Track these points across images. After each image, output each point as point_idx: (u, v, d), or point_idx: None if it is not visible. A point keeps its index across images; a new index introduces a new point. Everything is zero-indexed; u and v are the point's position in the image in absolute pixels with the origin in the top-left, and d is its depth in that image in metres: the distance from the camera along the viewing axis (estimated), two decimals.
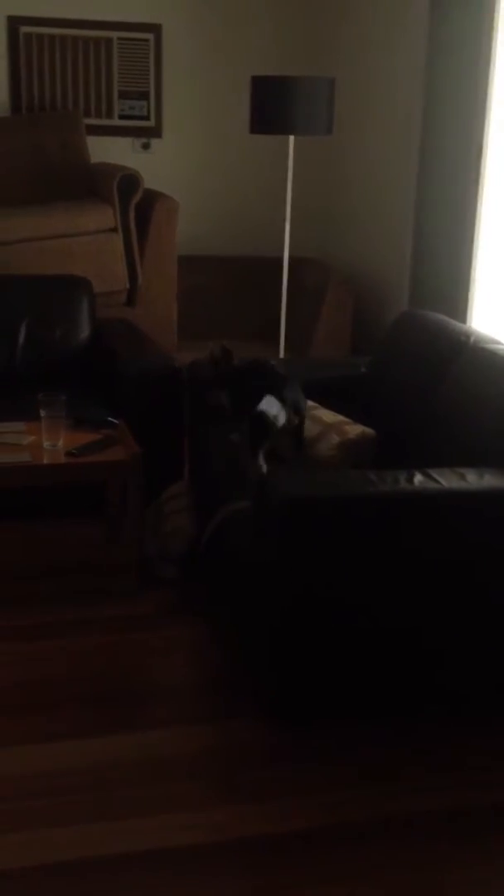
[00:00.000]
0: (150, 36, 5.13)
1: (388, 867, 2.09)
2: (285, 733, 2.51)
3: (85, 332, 4.05)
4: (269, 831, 2.17)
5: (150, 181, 4.70)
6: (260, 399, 3.02)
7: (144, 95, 5.21)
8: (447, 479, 2.46)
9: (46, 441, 3.10)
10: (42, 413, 3.11)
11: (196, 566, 3.15)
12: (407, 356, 3.28)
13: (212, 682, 2.72)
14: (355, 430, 3.03)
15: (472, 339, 3.06)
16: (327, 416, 3.14)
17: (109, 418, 3.34)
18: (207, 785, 2.31)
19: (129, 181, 4.59)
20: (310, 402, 3.21)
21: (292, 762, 2.41)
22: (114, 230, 4.59)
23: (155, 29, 5.13)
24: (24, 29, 4.96)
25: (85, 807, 2.22)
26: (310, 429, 3.08)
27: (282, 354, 4.64)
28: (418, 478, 2.45)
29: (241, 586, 2.66)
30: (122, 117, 5.20)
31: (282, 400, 3.06)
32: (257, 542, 2.49)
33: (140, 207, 4.65)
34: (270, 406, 3.03)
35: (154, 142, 5.28)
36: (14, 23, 4.95)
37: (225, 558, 2.79)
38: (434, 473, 2.47)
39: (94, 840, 2.12)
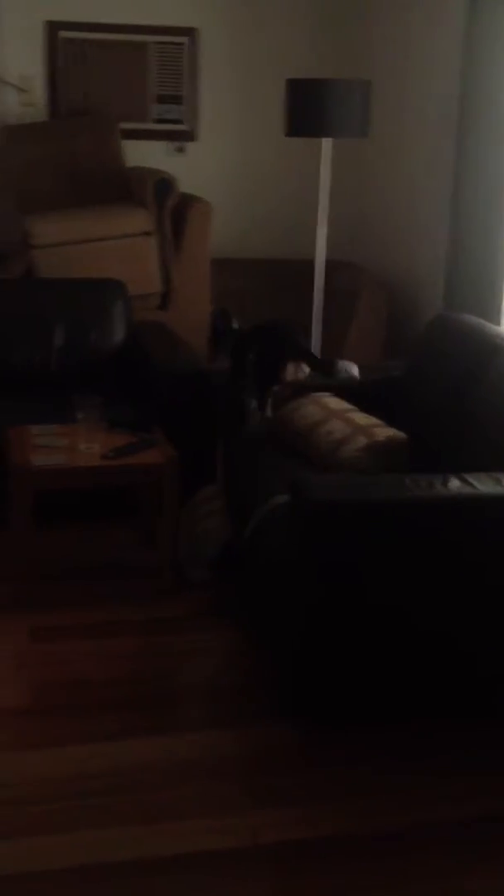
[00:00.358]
0: (186, 39, 5.15)
1: (416, 875, 2.08)
2: (315, 737, 2.51)
3: (119, 335, 4.07)
4: (298, 837, 2.17)
5: (184, 184, 4.71)
6: (263, 359, 3.06)
7: (179, 99, 5.23)
8: (483, 484, 2.45)
9: (82, 443, 3.12)
10: (78, 415, 3.13)
11: (228, 569, 3.16)
12: (441, 359, 3.26)
13: (243, 686, 2.72)
14: (385, 432, 3.01)
15: None
16: (361, 418, 3.13)
17: (144, 421, 3.36)
18: (238, 789, 2.32)
19: (165, 185, 4.61)
20: (346, 405, 3.20)
21: (322, 766, 2.40)
22: (149, 234, 4.60)
23: (191, 32, 5.15)
24: (63, 34, 5.00)
25: (117, 809, 2.23)
26: (341, 430, 3.07)
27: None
28: (454, 482, 2.44)
29: (272, 589, 2.66)
30: (157, 121, 5.22)
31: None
32: (290, 545, 2.49)
33: (175, 211, 4.67)
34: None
35: (189, 145, 5.30)
36: (53, 28, 4.99)
37: (257, 560, 2.79)
38: (470, 478, 2.46)
39: (126, 843, 2.13)
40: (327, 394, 3.31)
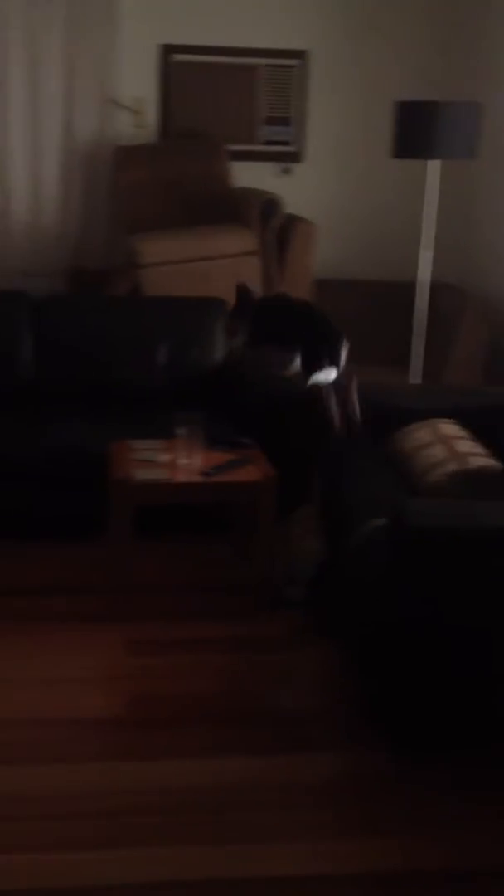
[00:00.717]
0: (297, 62, 5.20)
1: None
2: (407, 764, 2.47)
3: (221, 353, 4.11)
4: (391, 867, 2.13)
5: (290, 205, 4.75)
6: (277, 331, 3.32)
7: (288, 121, 5.28)
8: None
9: (182, 459, 3.16)
10: (179, 431, 3.17)
11: (323, 589, 3.15)
12: None
13: (336, 709, 2.70)
14: (480, 461, 2.97)
15: None
16: (464, 445, 3.09)
17: (243, 438, 3.38)
18: (328, 815, 2.29)
19: (271, 205, 4.65)
20: (460, 431, 3.17)
21: (416, 795, 2.36)
22: (253, 253, 4.65)
23: (301, 55, 5.20)
24: (176, 57, 5.11)
25: (206, 827, 2.23)
26: (439, 455, 3.04)
27: (415, 380, 4.60)
28: None
29: (367, 612, 2.64)
30: (265, 143, 5.29)
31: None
32: (386, 568, 2.47)
33: (279, 231, 4.71)
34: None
35: (295, 166, 5.34)
36: (167, 51, 5.11)
37: (353, 582, 2.78)
38: None
39: (215, 862, 2.12)
40: (449, 420, 3.28)
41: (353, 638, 2.88)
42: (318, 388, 3.35)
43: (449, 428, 3.22)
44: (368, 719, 2.62)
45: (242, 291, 3.47)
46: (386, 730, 2.56)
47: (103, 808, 2.27)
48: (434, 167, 4.29)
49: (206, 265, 4.58)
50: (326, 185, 5.34)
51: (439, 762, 2.48)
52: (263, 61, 5.17)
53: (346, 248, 5.32)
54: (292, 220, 4.78)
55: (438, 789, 2.38)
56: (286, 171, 5.33)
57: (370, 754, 2.49)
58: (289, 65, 5.21)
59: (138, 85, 5.14)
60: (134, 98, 5.16)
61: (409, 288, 4.61)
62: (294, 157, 5.33)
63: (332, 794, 2.36)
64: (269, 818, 2.27)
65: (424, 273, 4.46)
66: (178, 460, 3.17)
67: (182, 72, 5.14)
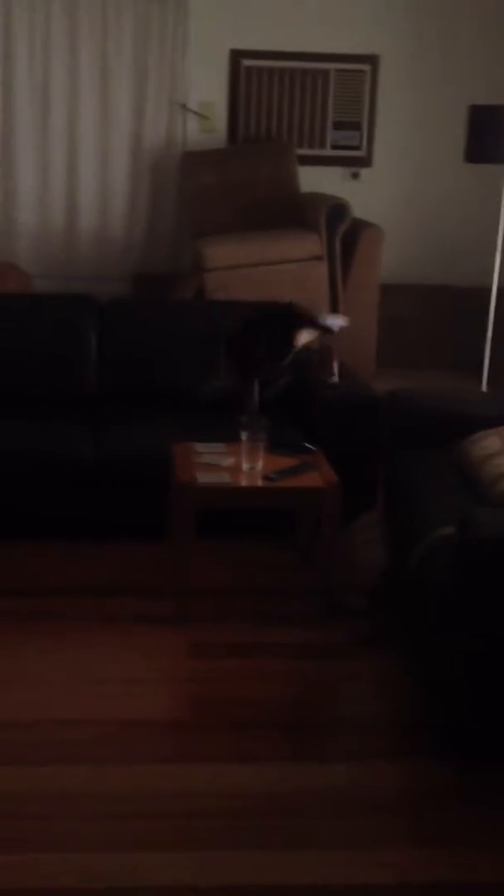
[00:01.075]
0: (368, 67, 5.17)
1: None
2: (472, 777, 2.42)
3: (286, 356, 4.08)
4: (450, 880, 2.09)
5: (357, 210, 4.72)
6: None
7: (357, 125, 5.25)
8: None
9: (245, 463, 3.15)
10: (243, 435, 3.16)
11: (386, 598, 3.11)
12: None
13: (398, 719, 2.67)
14: None
15: None
16: None
17: (307, 444, 3.36)
18: (389, 824, 2.26)
19: (338, 210, 4.63)
20: None
21: (481, 806, 2.32)
22: (319, 258, 4.63)
23: (372, 60, 5.16)
24: (246, 62, 5.12)
25: (260, 831, 2.21)
26: None
27: (484, 387, 4.53)
28: None
29: (433, 623, 2.60)
30: (334, 147, 5.27)
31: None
32: (453, 579, 2.42)
33: (346, 236, 4.68)
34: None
35: (364, 171, 5.31)
36: (236, 56, 5.12)
37: (419, 593, 2.74)
38: None
39: (277, 868, 2.11)
40: None
41: (416, 648, 2.84)
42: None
43: None
44: (430, 730, 2.58)
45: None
46: (447, 741, 2.52)
47: (163, 811, 2.27)
48: None
49: (271, 269, 4.58)
50: (395, 189, 5.30)
51: (500, 775, 2.42)
52: (334, 66, 5.15)
53: (414, 253, 5.27)
54: (359, 225, 4.75)
55: (497, 802, 2.34)
56: (355, 176, 5.30)
57: (433, 767, 2.45)
58: (359, 69, 5.18)
59: (208, 90, 5.16)
60: (203, 103, 5.18)
61: (477, 294, 4.55)
62: (363, 162, 5.30)
63: (393, 804, 2.33)
64: (326, 825, 2.24)
65: (496, 278, 4.39)
66: (241, 464, 3.16)
67: (252, 77, 5.15)
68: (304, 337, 3.45)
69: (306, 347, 3.48)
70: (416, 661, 2.85)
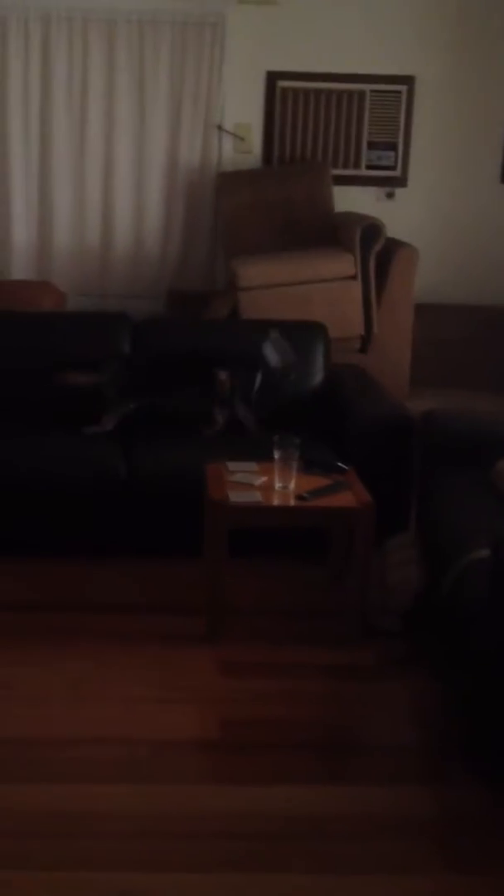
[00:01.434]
0: (403, 88, 5.17)
1: None
2: None
3: (319, 376, 4.09)
4: None
5: (392, 230, 4.71)
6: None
7: (392, 146, 5.25)
8: None
9: (278, 482, 3.14)
10: (275, 455, 3.15)
11: (420, 620, 3.07)
12: None
13: (432, 742, 2.63)
14: None
15: None
16: None
17: (340, 463, 3.34)
18: (425, 850, 2.22)
19: (373, 230, 4.62)
20: None
21: None
22: (353, 278, 4.63)
23: (408, 80, 5.17)
24: (281, 83, 5.15)
25: (299, 857, 2.18)
26: None
27: None
28: None
29: (468, 645, 2.56)
30: (368, 167, 5.27)
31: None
32: (492, 601, 2.39)
33: (380, 255, 4.67)
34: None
35: (399, 191, 5.30)
36: (272, 77, 5.15)
37: (453, 615, 2.70)
38: None
39: (308, 892, 2.08)
40: None
41: (451, 671, 2.80)
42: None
43: None
44: (464, 754, 2.55)
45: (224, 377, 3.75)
46: (482, 766, 2.48)
47: (191, 832, 2.25)
48: None
49: (305, 289, 4.58)
50: (430, 209, 5.29)
51: None
52: (369, 87, 5.16)
53: (449, 273, 5.25)
54: (394, 245, 4.74)
55: None
56: (390, 196, 5.30)
57: (470, 791, 2.41)
58: (395, 90, 5.18)
59: (243, 111, 5.19)
60: (239, 124, 5.21)
61: None
62: (397, 182, 5.29)
63: (429, 829, 2.30)
64: (360, 850, 2.21)
65: None
66: (273, 483, 3.15)
67: (287, 97, 5.17)
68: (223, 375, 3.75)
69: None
70: (450, 683, 2.82)
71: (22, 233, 5.21)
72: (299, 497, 3.09)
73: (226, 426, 3.75)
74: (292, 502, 3.08)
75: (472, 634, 2.51)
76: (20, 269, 5.21)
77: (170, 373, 3.92)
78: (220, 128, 5.17)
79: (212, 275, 5.28)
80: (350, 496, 3.13)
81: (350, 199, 5.08)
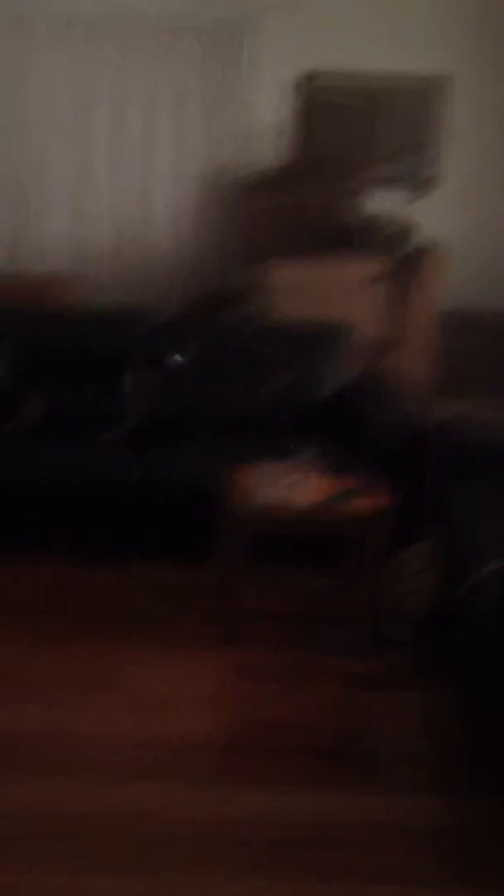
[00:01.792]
0: (437, 88, 5.14)
1: None
2: None
3: (340, 380, 4.08)
4: None
5: (423, 232, 4.69)
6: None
7: (425, 147, 5.22)
8: None
9: (298, 488, 3.14)
10: (295, 460, 3.16)
11: (434, 629, 3.07)
12: None
13: (443, 752, 2.63)
14: None
15: None
16: None
17: (360, 469, 3.34)
18: (435, 861, 2.22)
19: (401, 233, 4.61)
20: None
21: None
22: (379, 280, 4.62)
23: (442, 81, 5.13)
24: (311, 84, 5.14)
25: (308, 864, 2.19)
26: None
27: None
28: None
29: (482, 657, 2.56)
30: (398, 168, 5.24)
31: None
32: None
33: (409, 258, 4.66)
34: None
35: (431, 193, 5.27)
36: (303, 79, 5.14)
37: (469, 625, 2.70)
38: None
39: None
40: None
41: (464, 681, 2.80)
42: None
43: None
44: (476, 765, 2.54)
45: None
46: (492, 776, 2.47)
47: (202, 833, 2.26)
48: None
49: (332, 291, 4.57)
50: (462, 211, 5.25)
51: None
52: (403, 86, 5.13)
53: (482, 277, 5.20)
54: (422, 248, 4.73)
55: None
56: (421, 198, 5.27)
57: (480, 803, 2.40)
58: (427, 89, 5.15)
59: (271, 113, 5.19)
60: (267, 126, 5.21)
61: None
62: (430, 184, 5.26)
63: (439, 840, 2.30)
64: (368, 859, 2.21)
65: None
66: (293, 489, 3.16)
67: (317, 99, 5.16)
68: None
69: None
70: (463, 693, 2.81)
71: (59, 228, 5.26)
72: (319, 503, 3.09)
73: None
74: (310, 508, 3.08)
75: (486, 645, 2.51)
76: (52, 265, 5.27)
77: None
78: (247, 130, 5.15)
79: (238, 277, 5.29)
80: (369, 502, 3.12)
81: (379, 201, 5.05)
